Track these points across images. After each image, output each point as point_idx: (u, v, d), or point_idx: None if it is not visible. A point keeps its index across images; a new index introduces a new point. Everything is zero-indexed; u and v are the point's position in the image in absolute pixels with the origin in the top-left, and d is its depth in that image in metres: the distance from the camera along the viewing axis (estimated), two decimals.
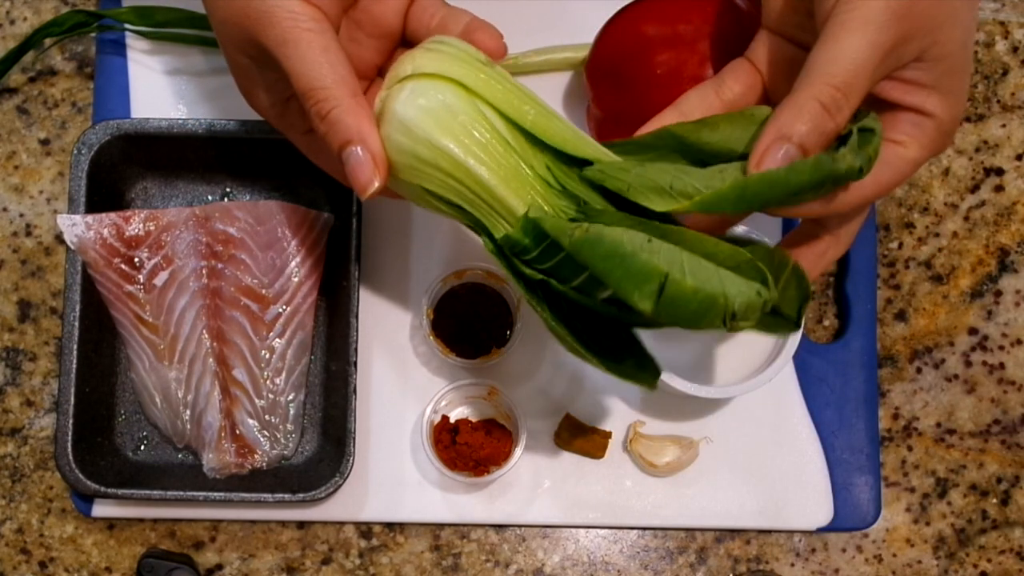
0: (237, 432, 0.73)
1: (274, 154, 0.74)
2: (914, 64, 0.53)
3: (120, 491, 0.70)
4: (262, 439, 0.73)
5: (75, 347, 0.71)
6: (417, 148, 0.53)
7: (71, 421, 0.70)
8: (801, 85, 0.51)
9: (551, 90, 0.79)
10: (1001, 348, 0.78)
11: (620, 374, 0.55)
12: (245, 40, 0.57)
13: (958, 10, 0.53)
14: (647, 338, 0.70)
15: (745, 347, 0.70)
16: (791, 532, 0.76)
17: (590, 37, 0.73)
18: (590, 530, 0.76)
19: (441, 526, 0.76)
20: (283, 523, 0.76)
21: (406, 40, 0.62)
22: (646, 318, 0.50)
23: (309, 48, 0.55)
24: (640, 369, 0.57)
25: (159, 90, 0.78)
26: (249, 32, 0.56)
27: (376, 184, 0.55)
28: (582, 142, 0.55)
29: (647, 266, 0.48)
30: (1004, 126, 0.80)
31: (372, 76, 0.63)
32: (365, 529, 0.76)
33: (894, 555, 0.76)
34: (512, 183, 0.54)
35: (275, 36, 0.55)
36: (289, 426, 0.74)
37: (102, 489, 0.70)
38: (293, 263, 0.74)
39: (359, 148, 0.55)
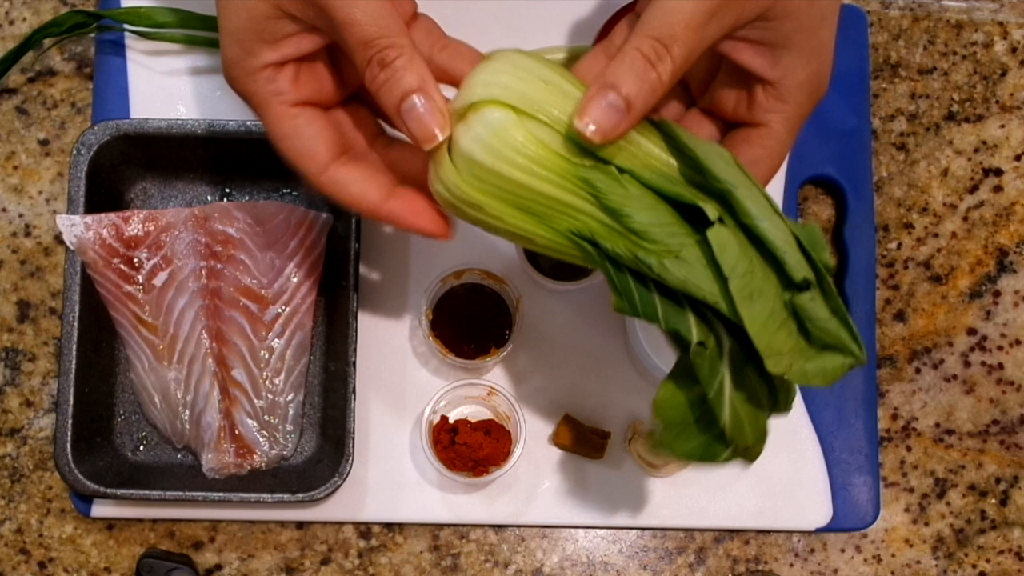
0: (236, 432, 0.73)
1: (274, 154, 0.74)
2: (758, 23, 0.53)
3: (119, 491, 0.70)
4: (261, 439, 0.73)
5: (74, 347, 0.71)
6: (485, 179, 0.52)
7: (70, 421, 0.70)
8: (628, 38, 0.51)
9: None
10: (1000, 348, 0.78)
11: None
12: None
13: None
14: (646, 338, 0.70)
15: None
16: (790, 532, 0.76)
17: (590, 37, 0.73)
18: (589, 530, 0.76)
19: (440, 526, 0.76)
20: (282, 523, 0.76)
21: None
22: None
23: None
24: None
25: (158, 90, 0.78)
26: None
27: (441, 136, 0.53)
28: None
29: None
30: (1003, 126, 0.80)
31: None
32: (364, 529, 0.76)
33: (893, 555, 0.76)
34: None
35: None
36: (288, 426, 0.74)
37: (101, 489, 0.70)
38: (292, 263, 0.74)
39: (422, 97, 0.52)
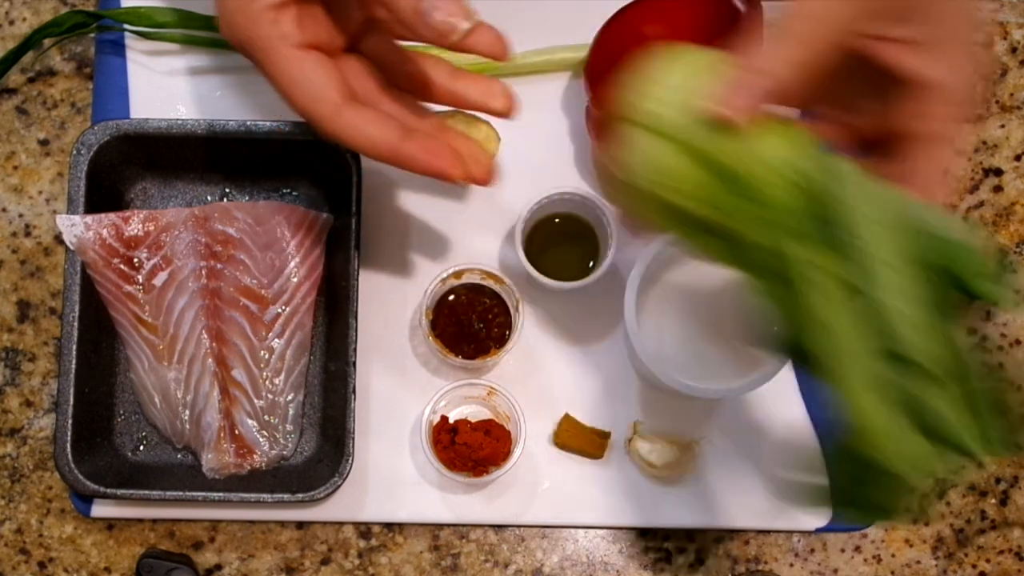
0: (236, 432, 0.73)
1: (274, 154, 0.74)
2: (903, 21, 0.50)
3: (119, 491, 0.70)
4: (261, 439, 0.73)
5: (74, 347, 0.71)
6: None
7: (70, 421, 0.70)
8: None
9: (551, 91, 0.79)
10: (1000, 348, 0.78)
11: None
12: None
13: None
14: (646, 338, 0.70)
15: (745, 347, 0.70)
16: (790, 532, 0.76)
17: (589, 37, 0.73)
18: (589, 530, 0.76)
19: (440, 526, 0.76)
20: (282, 523, 0.76)
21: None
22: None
23: None
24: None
25: (158, 90, 0.78)
26: None
27: (468, 23, 0.52)
28: None
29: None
30: (1003, 126, 0.80)
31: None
32: (364, 529, 0.76)
33: (893, 555, 0.76)
34: None
35: None
36: (288, 426, 0.74)
37: (101, 489, 0.70)
38: (292, 263, 0.74)
39: None
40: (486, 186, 0.61)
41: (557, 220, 0.75)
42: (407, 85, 0.55)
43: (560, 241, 0.75)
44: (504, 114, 0.60)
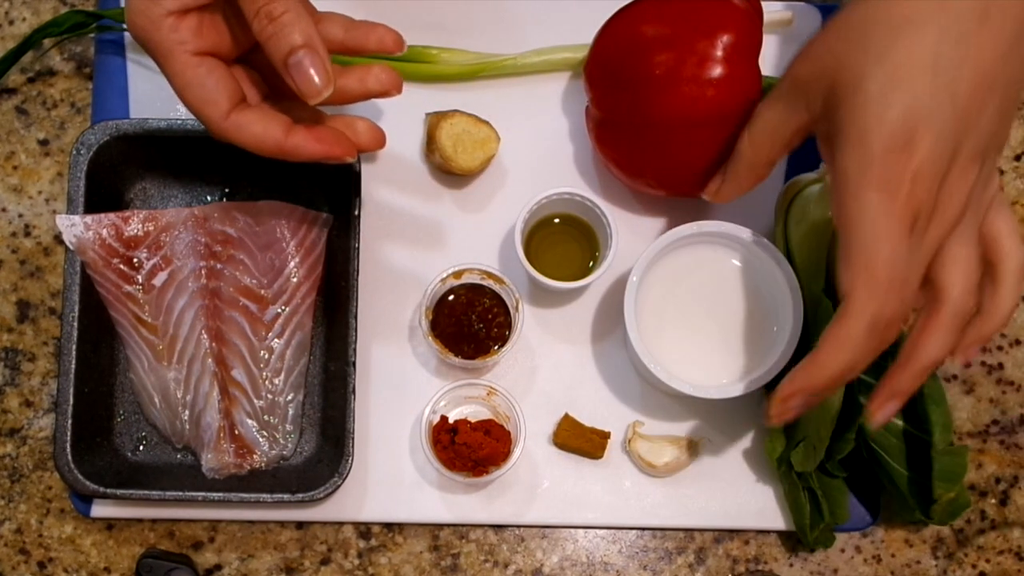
0: (236, 432, 0.73)
1: None
2: (823, 115, 0.57)
3: (119, 491, 0.70)
4: (261, 439, 0.73)
5: (74, 347, 0.71)
6: None
7: (70, 421, 0.70)
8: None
9: (550, 91, 0.79)
10: (1000, 348, 0.78)
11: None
12: None
13: (869, 40, 0.53)
14: (646, 339, 0.70)
15: (745, 347, 0.70)
16: (790, 532, 0.76)
17: (590, 37, 0.73)
18: (589, 530, 0.76)
19: (440, 526, 0.76)
20: (282, 523, 0.76)
21: None
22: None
23: None
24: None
25: (158, 90, 0.78)
26: None
27: (327, 92, 0.57)
28: None
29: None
30: None
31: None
32: (364, 529, 0.76)
33: (893, 555, 0.76)
34: None
35: None
36: (288, 426, 0.74)
37: (101, 489, 0.70)
38: (292, 263, 0.74)
39: (308, 53, 0.56)
40: (382, 147, 0.66)
41: (557, 220, 0.75)
42: (292, 92, 0.59)
43: (560, 241, 0.75)
44: (387, 92, 0.64)
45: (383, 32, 0.63)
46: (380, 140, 0.66)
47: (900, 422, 0.70)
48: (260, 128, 0.60)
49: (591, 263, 0.74)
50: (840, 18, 0.56)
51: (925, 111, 0.51)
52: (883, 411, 0.59)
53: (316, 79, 0.56)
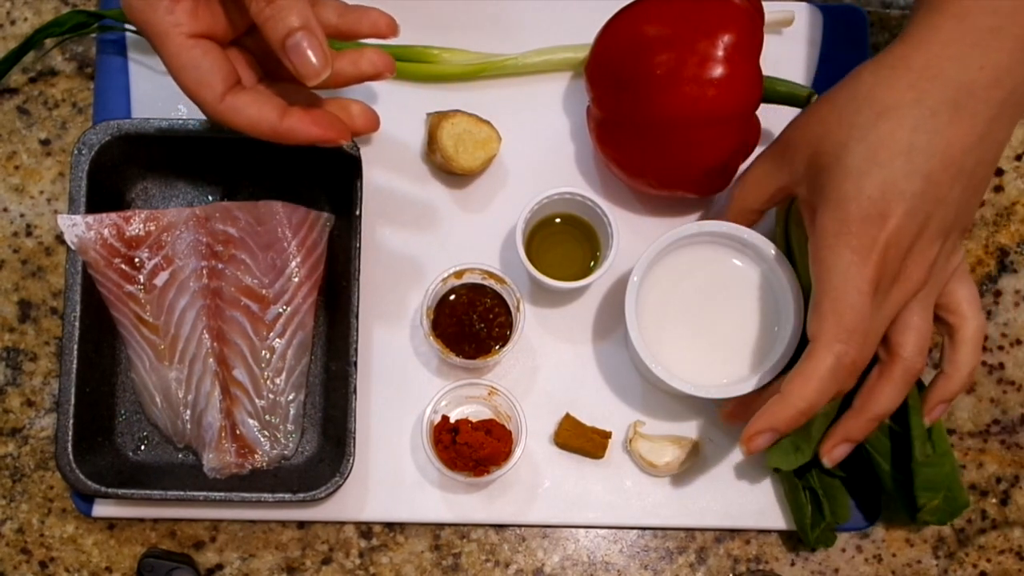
0: (237, 432, 0.73)
1: (274, 154, 0.74)
2: (805, 178, 0.63)
3: (120, 491, 0.70)
4: (262, 439, 0.73)
5: (75, 347, 0.71)
6: None
7: (71, 421, 0.70)
8: None
9: (551, 91, 0.79)
10: (1000, 348, 0.78)
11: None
12: None
13: (855, 119, 0.59)
14: (646, 339, 0.70)
15: (745, 347, 0.70)
16: (791, 532, 0.76)
17: (590, 37, 0.73)
18: (590, 530, 0.76)
19: (441, 526, 0.76)
20: (283, 523, 0.76)
21: None
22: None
23: None
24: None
25: (159, 90, 0.78)
26: None
27: (326, 73, 0.57)
28: None
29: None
30: None
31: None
32: (365, 529, 0.76)
33: (894, 555, 0.76)
34: None
35: None
36: (289, 426, 0.74)
37: (102, 489, 0.70)
38: (293, 263, 0.74)
39: (306, 35, 0.57)
40: (376, 129, 0.67)
41: (558, 220, 0.75)
42: (287, 75, 0.60)
43: (561, 241, 0.75)
44: (380, 75, 0.65)
45: (376, 16, 0.64)
46: (374, 122, 0.67)
47: (895, 425, 0.70)
48: (255, 110, 0.60)
49: (592, 263, 0.74)
50: (833, 93, 0.62)
51: (898, 188, 0.57)
52: (835, 452, 0.66)
53: (314, 60, 0.57)
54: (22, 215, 0.79)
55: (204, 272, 0.73)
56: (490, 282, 0.73)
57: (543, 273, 0.71)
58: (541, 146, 0.78)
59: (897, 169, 0.58)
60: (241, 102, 0.60)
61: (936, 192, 0.58)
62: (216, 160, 0.75)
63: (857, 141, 0.59)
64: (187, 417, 0.73)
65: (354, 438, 0.70)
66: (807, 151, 0.62)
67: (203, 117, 0.75)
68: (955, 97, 0.58)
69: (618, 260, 0.72)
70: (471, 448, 0.70)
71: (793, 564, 0.76)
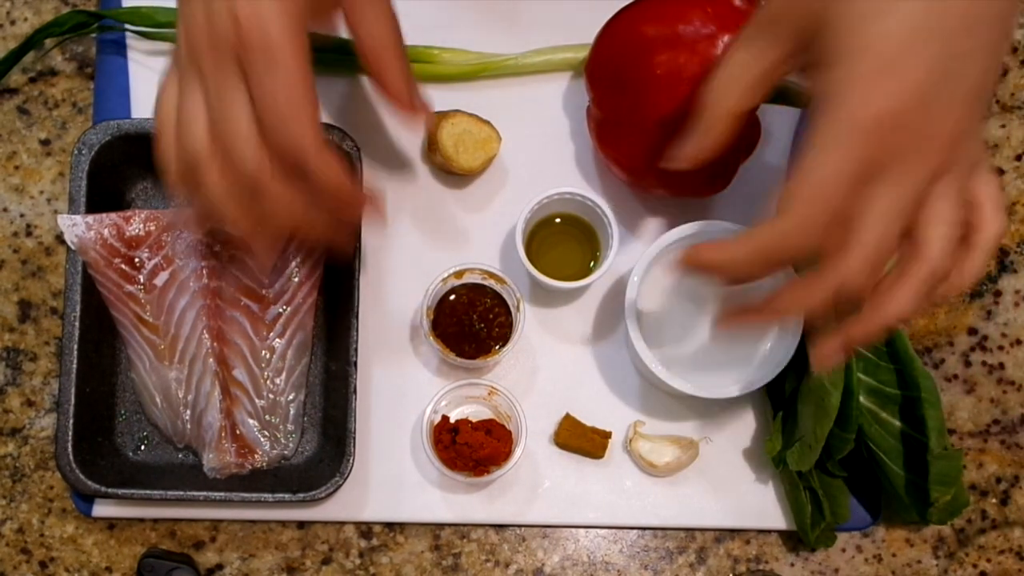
0: (237, 432, 0.73)
1: None
2: (803, 46, 0.53)
3: (120, 491, 0.70)
4: (262, 439, 0.73)
5: (75, 347, 0.71)
6: None
7: (71, 421, 0.70)
8: None
9: (551, 91, 0.79)
10: (1000, 348, 0.78)
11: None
12: None
13: None
14: (646, 339, 0.70)
15: (745, 347, 0.70)
16: (791, 532, 0.76)
17: (590, 37, 0.73)
18: (590, 530, 0.76)
19: (441, 526, 0.76)
20: (283, 523, 0.76)
21: None
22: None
23: None
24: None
25: None
26: None
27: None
28: None
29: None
30: (1004, 126, 0.80)
31: None
32: (365, 529, 0.76)
33: (894, 555, 0.76)
34: None
35: None
36: (289, 426, 0.74)
37: (102, 489, 0.70)
38: (293, 263, 0.74)
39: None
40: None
41: (558, 220, 0.75)
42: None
43: (561, 241, 0.75)
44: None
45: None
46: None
47: (898, 423, 0.70)
48: (339, 159, 0.56)
49: (592, 263, 0.74)
50: None
51: (921, 31, 0.49)
52: (832, 357, 0.58)
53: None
54: (22, 215, 0.79)
55: (204, 272, 0.73)
56: (490, 282, 0.73)
57: (543, 273, 0.71)
58: (541, 146, 0.78)
59: (907, 15, 0.49)
60: (329, 143, 0.56)
61: (955, 45, 0.49)
62: None
63: None
64: (187, 417, 0.73)
65: (354, 438, 0.70)
66: (802, 13, 0.53)
67: None
68: None
69: (618, 260, 0.72)
70: (471, 448, 0.70)
71: (793, 564, 0.76)
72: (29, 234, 0.78)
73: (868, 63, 0.50)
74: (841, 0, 0.51)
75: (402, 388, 0.75)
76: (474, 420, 0.72)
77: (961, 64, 0.50)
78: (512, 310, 0.73)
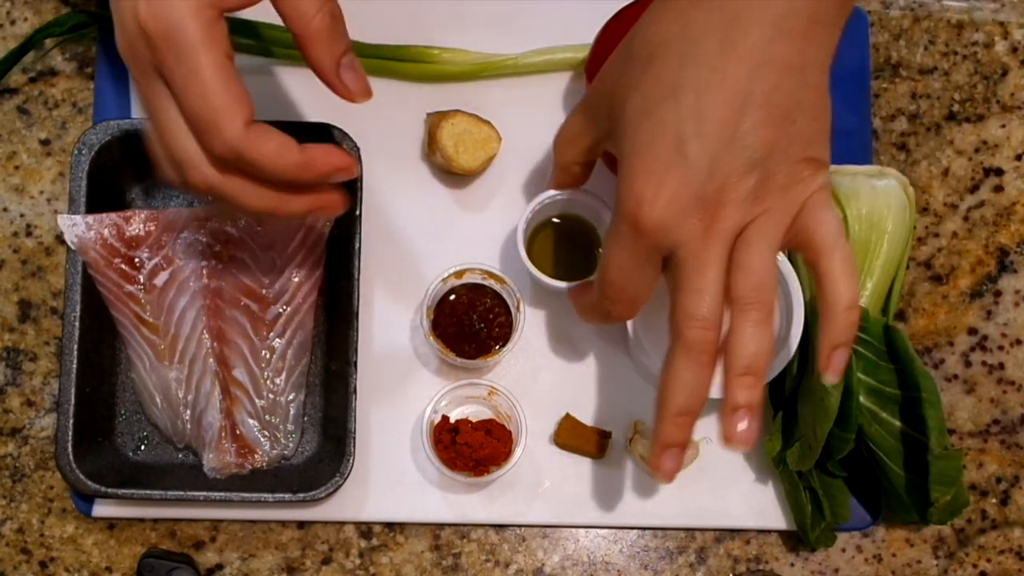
0: (237, 432, 0.73)
1: None
2: (610, 137, 0.58)
3: (120, 491, 0.70)
4: (262, 439, 0.73)
5: (75, 347, 0.71)
6: None
7: (71, 421, 0.70)
8: None
9: (551, 91, 0.79)
10: (1000, 348, 0.78)
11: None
12: None
13: (629, 68, 0.55)
14: (647, 339, 0.70)
15: None
16: (791, 532, 0.76)
17: (590, 37, 0.73)
18: (590, 530, 0.76)
19: (441, 526, 0.76)
20: (283, 523, 0.76)
21: None
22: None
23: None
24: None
25: None
26: None
27: (361, 101, 0.58)
28: None
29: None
30: (1003, 126, 0.80)
31: None
32: (365, 529, 0.76)
33: (894, 555, 0.76)
34: None
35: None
36: (289, 426, 0.74)
37: (102, 489, 0.70)
38: (293, 263, 0.74)
39: (354, 57, 0.57)
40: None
41: (557, 220, 0.75)
42: None
43: (561, 241, 0.75)
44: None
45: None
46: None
47: (898, 423, 0.70)
48: (277, 143, 0.55)
49: (592, 262, 0.74)
50: (620, 44, 0.58)
51: (672, 134, 0.52)
52: (745, 427, 0.57)
53: (362, 80, 0.57)
54: (22, 215, 0.79)
55: (204, 272, 0.73)
56: (490, 282, 0.73)
57: (543, 273, 0.71)
58: (541, 146, 0.78)
59: (667, 113, 0.52)
60: (263, 130, 0.54)
61: (720, 130, 0.51)
62: None
63: (633, 90, 0.54)
64: (187, 417, 0.73)
65: (354, 438, 0.70)
66: (607, 104, 0.57)
67: None
68: (722, 22, 0.52)
69: None
70: (471, 448, 0.70)
71: (793, 564, 0.76)
72: (29, 234, 0.78)
73: (639, 163, 0.54)
74: (621, 104, 0.55)
75: (402, 388, 0.75)
76: (474, 420, 0.72)
77: (736, 146, 0.52)
78: (512, 310, 0.73)
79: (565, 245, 0.75)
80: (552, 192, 0.71)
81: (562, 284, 0.71)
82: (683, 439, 0.57)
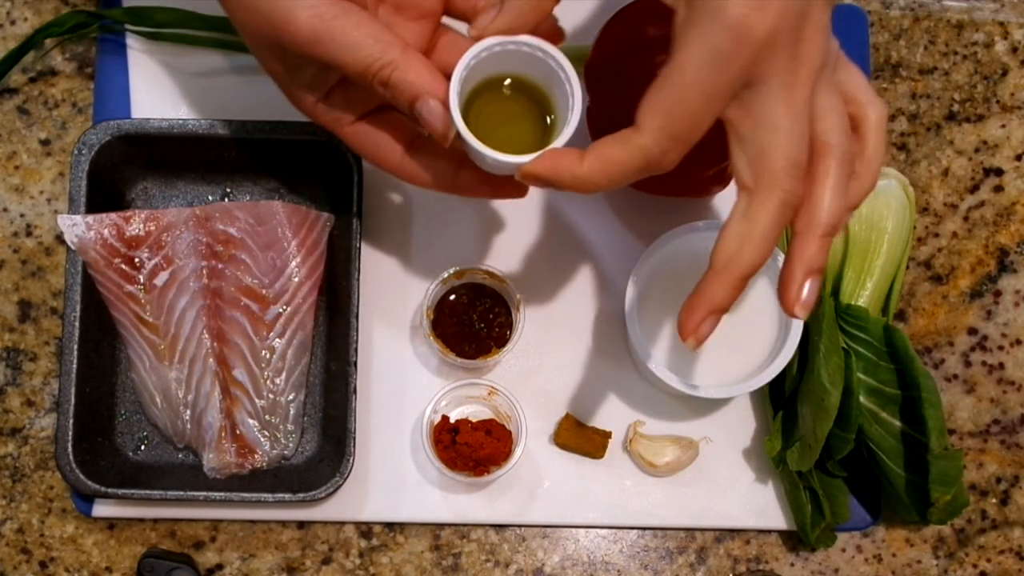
0: (237, 432, 0.73)
1: (274, 154, 0.74)
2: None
3: (120, 491, 0.70)
4: (262, 439, 0.73)
5: (75, 347, 0.71)
6: None
7: (71, 421, 0.70)
8: None
9: None
10: (1000, 348, 0.78)
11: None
12: (276, 48, 0.58)
13: None
14: (647, 339, 0.70)
15: (745, 347, 0.70)
16: (791, 532, 0.76)
17: (590, 37, 0.73)
18: (590, 530, 0.76)
19: (441, 526, 0.76)
20: (283, 523, 0.76)
21: (450, 14, 0.63)
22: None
23: (343, 34, 0.55)
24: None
25: (159, 90, 0.78)
26: (277, 41, 0.57)
27: (450, 137, 0.57)
28: None
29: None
30: (1003, 126, 0.80)
31: None
32: (365, 529, 0.76)
33: (894, 555, 0.76)
34: None
35: (304, 38, 0.55)
36: (289, 426, 0.74)
37: (102, 489, 0.70)
38: (293, 263, 0.74)
39: (430, 100, 0.57)
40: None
41: (507, 84, 0.63)
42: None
43: (512, 113, 0.63)
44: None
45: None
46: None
47: (898, 423, 0.70)
48: (432, 170, 0.62)
49: (542, 134, 0.62)
50: None
51: None
52: (809, 291, 0.52)
53: (441, 122, 0.57)
54: (22, 215, 0.79)
55: (204, 272, 0.73)
56: (490, 282, 0.73)
57: (487, 145, 0.58)
58: None
59: None
60: (419, 160, 0.62)
61: None
62: (216, 160, 0.75)
63: None
64: (187, 417, 0.73)
65: (354, 438, 0.70)
66: None
67: (203, 117, 0.75)
68: None
69: (618, 260, 0.72)
70: (471, 448, 0.70)
71: (793, 564, 0.76)
72: (29, 234, 0.78)
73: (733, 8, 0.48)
74: None
75: (402, 388, 0.75)
76: (474, 420, 0.72)
77: None
78: (512, 310, 0.73)
79: (517, 118, 0.63)
80: (492, 40, 0.59)
81: (512, 158, 0.57)
82: (730, 304, 0.52)
